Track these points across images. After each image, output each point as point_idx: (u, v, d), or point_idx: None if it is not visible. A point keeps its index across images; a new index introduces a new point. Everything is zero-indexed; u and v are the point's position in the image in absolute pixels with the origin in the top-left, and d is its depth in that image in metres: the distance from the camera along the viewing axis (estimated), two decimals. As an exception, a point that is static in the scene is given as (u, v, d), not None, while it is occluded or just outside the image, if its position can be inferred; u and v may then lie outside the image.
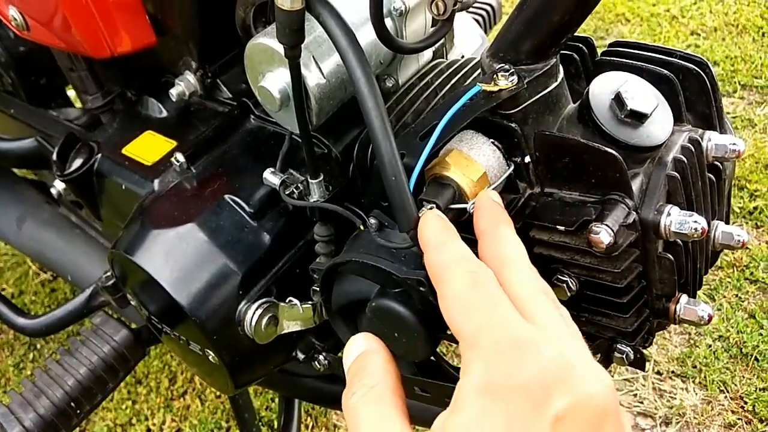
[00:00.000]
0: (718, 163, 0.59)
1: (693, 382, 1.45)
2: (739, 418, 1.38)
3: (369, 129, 0.53)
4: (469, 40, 0.96)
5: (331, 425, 1.45)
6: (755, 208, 1.79)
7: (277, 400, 1.48)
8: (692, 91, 0.60)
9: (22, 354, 1.67)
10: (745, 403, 1.40)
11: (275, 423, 1.44)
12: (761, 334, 1.52)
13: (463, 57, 0.92)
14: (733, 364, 1.47)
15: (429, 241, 0.46)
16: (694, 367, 1.47)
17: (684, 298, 0.57)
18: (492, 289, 0.40)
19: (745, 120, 2.09)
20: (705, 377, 1.45)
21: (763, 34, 2.43)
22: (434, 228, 0.47)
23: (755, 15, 2.52)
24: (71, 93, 1.36)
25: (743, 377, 1.44)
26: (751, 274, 1.64)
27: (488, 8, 1.21)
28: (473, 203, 0.56)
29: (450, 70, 0.76)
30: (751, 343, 1.49)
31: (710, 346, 1.50)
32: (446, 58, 0.86)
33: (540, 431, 0.33)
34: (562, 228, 0.54)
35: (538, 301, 0.40)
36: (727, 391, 1.42)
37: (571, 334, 0.39)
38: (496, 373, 0.35)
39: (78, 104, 1.44)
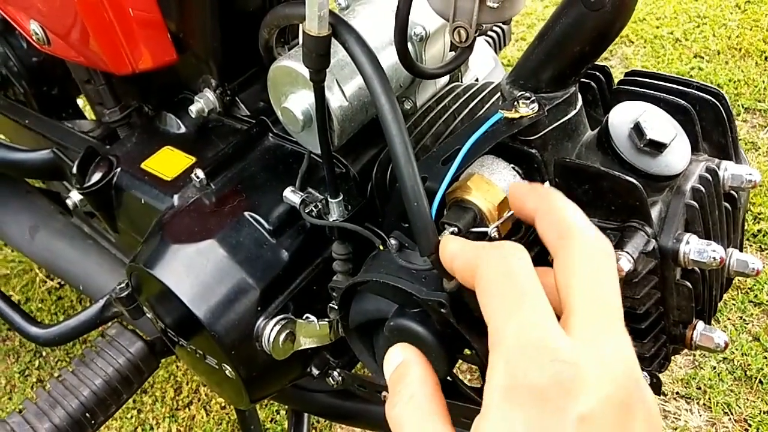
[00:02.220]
0: (734, 193, 0.60)
1: (697, 403, 1.46)
2: (742, 441, 1.39)
3: (392, 155, 0.54)
4: (483, 63, 0.97)
5: (335, 439, 1.45)
6: (759, 230, 1.81)
7: (282, 412, 1.49)
8: (708, 121, 0.61)
9: (28, 361, 1.68)
10: (749, 425, 1.41)
11: (280, 436, 1.45)
12: (765, 357, 1.52)
13: (477, 80, 0.93)
14: (737, 387, 1.47)
15: (452, 252, 0.46)
16: (699, 388, 1.48)
17: (700, 324, 0.58)
18: (524, 279, 0.39)
19: (749, 143, 2.10)
20: (709, 399, 1.46)
21: (765, 58, 2.45)
22: (453, 243, 0.47)
23: (758, 39, 2.55)
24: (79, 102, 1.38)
25: (747, 399, 1.45)
26: (756, 296, 1.65)
27: (498, 31, 1.23)
28: (494, 227, 0.57)
29: (467, 95, 0.77)
30: (756, 365, 1.50)
31: (715, 368, 1.51)
32: (461, 81, 0.87)
33: None
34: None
35: (587, 281, 0.39)
36: (732, 413, 1.43)
37: (601, 318, 0.38)
38: (515, 378, 0.35)
39: (88, 114, 1.46)
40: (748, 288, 1.67)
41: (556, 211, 0.44)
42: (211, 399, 1.54)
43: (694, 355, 1.54)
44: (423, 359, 0.47)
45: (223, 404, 1.53)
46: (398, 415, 0.42)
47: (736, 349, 1.53)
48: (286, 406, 1.49)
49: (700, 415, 1.44)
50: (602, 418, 0.34)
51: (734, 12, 2.74)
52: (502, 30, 1.25)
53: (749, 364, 1.50)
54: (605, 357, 0.36)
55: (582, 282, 0.39)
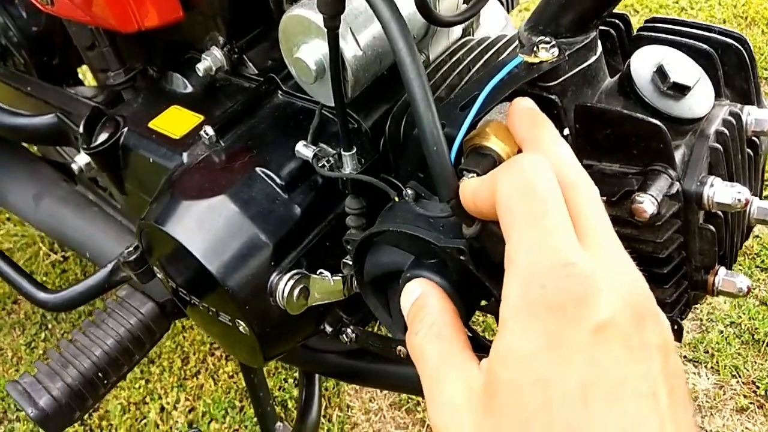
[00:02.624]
0: (756, 139, 0.59)
1: (705, 367, 1.46)
2: (751, 403, 1.39)
3: (410, 99, 0.53)
4: (494, 20, 0.96)
5: (344, 405, 1.45)
6: (765, 197, 1.80)
7: (290, 380, 1.49)
8: (731, 66, 0.60)
9: (34, 333, 1.67)
10: (757, 387, 1.41)
11: (289, 403, 1.45)
12: (772, 321, 1.53)
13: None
14: (744, 350, 1.47)
15: (473, 188, 0.45)
16: (706, 352, 1.48)
17: (722, 270, 0.57)
18: (542, 191, 0.38)
19: (756, 110, 2.09)
20: (717, 362, 1.46)
21: (772, 26, 2.43)
22: (473, 180, 0.47)
23: (764, 8, 2.52)
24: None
25: (755, 362, 1.45)
26: (762, 261, 1.64)
27: (507, -5, 1.21)
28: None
29: (481, 47, 0.76)
30: (763, 329, 1.50)
31: (722, 332, 1.51)
32: (473, 37, 0.86)
33: (580, 345, 0.34)
34: (603, 198, 0.54)
35: (591, 205, 0.40)
36: (739, 376, 1.43)
37: (613, 240, 0.39)
38: (530, 294, 0.36)
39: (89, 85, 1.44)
40: (755, 254, 1.66)
41: (542, 149, 0.44)
42: (219, 368, 1.54)
43: (701, 320, 1.54)
44: (440, 291, 0.47)
45: (231, 373, 1.53)
46: (419, 345, 0.43)
47: (744, 314, 1.53)
48: (295, 375, 1.49)
49: (708, 379, 1.44)
50: (617, 327, 0.34)
51: (740, -19, 2.71)
52: (511, -10, 1.23)
53: (756, 328, 1.50)
54: (616, 270, 0.37)
55: (581, 207, 0.40)
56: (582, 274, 0.35)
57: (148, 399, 1.50)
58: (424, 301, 0.46)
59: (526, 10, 2.71)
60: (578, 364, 0.34)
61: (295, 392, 1.46)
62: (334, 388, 1.46)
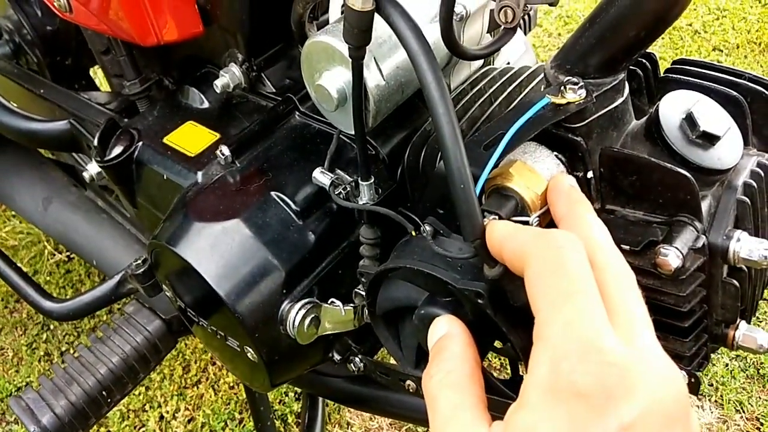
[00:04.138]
0: (783, 190, 0.58)
1: (709, 400, 1.45)
2: (755, 440, 1.38)
3: (439, 135, 0.52)
4: (514, 46, 0.95)
5: (344, 422, 1.44)
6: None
7: (291, 394, 1.48)
8: (760, 114, 0.59)
9: (35, 334, 1.66)
10: (761, 424, 1.40)
11: (289, 417, 1.44)
12: (779, 356, 1.51)
13: (508, 63, 0.91)
14: (749, 385, 1.46)
15: (502, 235, 0.45)
16: (711, 385, 1.47)
17: (743, 325, 0.56)
18: (575, 273, 0.38)
19: None
20: (721, 396, 1.44)
21: (787, 53, 2.42)
22: (502, 226, 0.46)
23: (778, 33, 2.52)
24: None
25: (760, 398, 1.44)
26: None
27: (524, 17, 1.20)
28: (536, 216, 0.55)
29: (504, 78, 0.75)
30: (769, 364, 1.49)
31: (727, 365, 1.50)
32: (492, 64, 0.85)
33: None
34: (626, 247, 0.53)
35: (625, 290, 0.39)
36: (743, 412, 1.42)
37: (649, 330, 0.38)
38: (559, 376, 0.35)
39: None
40: (763, 286, 1.65)
41: (579, 228, 0.44)
42: (220, 378, 1.53)
43: (708, 352, 1.52)
44: (467, 335, 0.46)
45: (231, 384, 1.52)
46: (433, 389, 0.42)
47: (750, 347, 1.52)
48: (296, 389, 1.48)
49: (712, 412, 1.43)
50: (645, 427, 0.33)
51: (754, 6, 2.71)
52: (529, 15, 1.22)
53: (762, 363, 1.49)
54: (651, 365, 0.35)
55: (615, 291, 0.39)
56: (615, 364, 0.34)
57: (147, 407, 1.48)
58: (447, 342, 0.45)
59: (539, 26, 2.71)
60: None
61: (296, 406, 1.45)
62: (334, 404, 1.45)
